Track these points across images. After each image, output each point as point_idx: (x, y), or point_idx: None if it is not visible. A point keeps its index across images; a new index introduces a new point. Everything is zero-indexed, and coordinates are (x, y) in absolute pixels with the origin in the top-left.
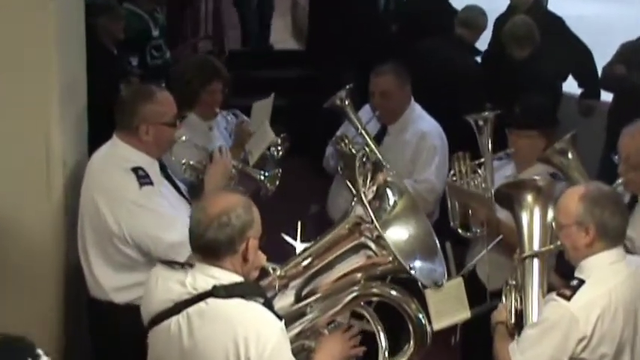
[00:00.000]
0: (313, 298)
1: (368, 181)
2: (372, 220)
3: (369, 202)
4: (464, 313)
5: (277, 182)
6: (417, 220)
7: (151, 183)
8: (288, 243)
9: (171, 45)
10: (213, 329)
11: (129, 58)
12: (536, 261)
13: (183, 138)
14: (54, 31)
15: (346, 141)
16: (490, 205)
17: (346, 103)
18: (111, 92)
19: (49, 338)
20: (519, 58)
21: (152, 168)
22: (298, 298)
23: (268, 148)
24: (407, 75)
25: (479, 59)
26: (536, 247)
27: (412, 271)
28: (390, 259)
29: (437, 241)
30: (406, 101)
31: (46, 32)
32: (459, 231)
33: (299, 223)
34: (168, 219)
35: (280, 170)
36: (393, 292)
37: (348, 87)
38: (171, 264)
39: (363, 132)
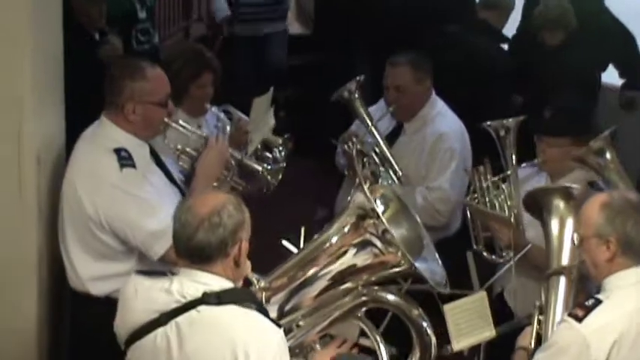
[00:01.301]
0: (299, 312)
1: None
2: (377, 212)
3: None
4: (488, 332)
5: (280, 176)
6: (410, 224)
7: (133, 165)
8: (289, 251)
9: (160, 28)
10: (208, 339)
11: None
12: (562, 279)
13: (180, 121)
14: (27, 12)
15: (354, 140)
16: (514, 226)
17: (355, 96)
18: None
19: (29, 335)
20: (551, 46)
21: (140, 151)
22: (281, 314)
23: (270, 149)
24: (427, 67)
25: (506, 47)
26: (564, 262)
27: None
28: (398, 256)
29: (432, 245)
30: (424, 97)
31: (18, 14)
32: (484, 254)
33: (302, 230)
34: (149, 205)
35: (284, 164)
36: (391, 297)
37: (358, 78)
38: (149, 272)
39: (373, 130)
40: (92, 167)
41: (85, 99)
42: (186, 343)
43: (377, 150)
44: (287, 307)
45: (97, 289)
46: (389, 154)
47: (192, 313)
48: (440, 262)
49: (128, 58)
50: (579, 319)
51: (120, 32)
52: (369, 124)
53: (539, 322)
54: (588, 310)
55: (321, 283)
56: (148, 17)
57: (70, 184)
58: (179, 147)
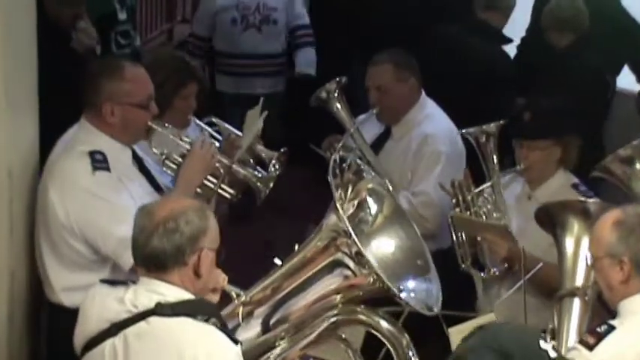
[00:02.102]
0: (283, 327)
1: (349, 193)
2: (349, 232)
3: (350, 217)
4: None
5: (271, 184)
6: (405, 231)
7: (106, 169)
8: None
9: (142, 31)
10: (155, 353)
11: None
12: (576, 301)
13: (167, 125)
14: None
15: (335, 145)
16: (511, 236)
17: (334, 96)
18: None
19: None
20: (559, 47)
21: (119, 155)
22: (266, 328)
23: (263, 165)
24: (411, 65)
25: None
26: (578, 283)
27: (403, 294)
28: (372, 279)
29: (429, 257)
30: (410, 98)
31: None
32: (473, 272)
33: (296, 246)
34: (121, 211)
35: (278, 173)
36: (382, 322)
37: (338, 79)
38: (113, 281)
39: (354, 134)
40: (64, 171)
41: (60, 106)
42: (132, 357)
43: (360, 155)
44: (272, 321)
45: (70, 300)
46: (372, 160)
47: (142, 324)
48: (437, 278)
49: (109, 57)
50: (590, 347)
51: (99, 34)
52: (350, 127)
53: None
54: (600, 338)
55: (304, 298)
56: (129, 19)
57: (43, 190)
58: (165, 152)
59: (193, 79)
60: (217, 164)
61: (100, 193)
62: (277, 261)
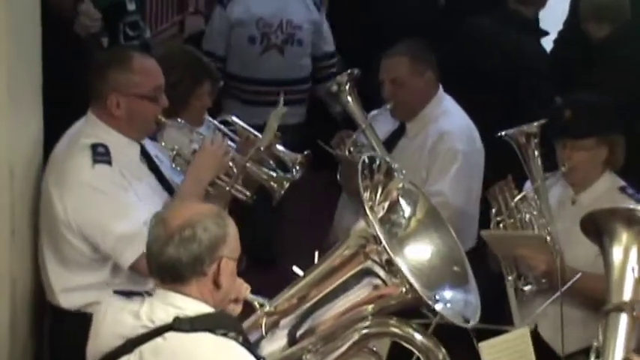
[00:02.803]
0: (311, 339)
1: (379, 195)
2: (379, 239)
3: (380, 221)
4: None
5: (287, 185)
6: (442, 236)
7: (108, 162)
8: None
9: (151, 22)
10: None
11: (98, 38)
12: (623, 316)
13: (180, 120)
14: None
15: (346, 141)
16: (551, 247)
17: (345, 89)
18: (75, 84)
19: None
20: (597, 38)
21: (126, 150)
22: (292, 340)
23: (285, 168)
24: (428, 58)
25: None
26: (626, 297)
27: (438, 305)
28: (404, 288)
29: (468, 265)
30: (427, 93)
31: None
32: (520, 286)
33: (316, 253)
34: (121, 206)
35: (295, 174)
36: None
37: (350, 71)
38: (127, 293)
39: (366, 129)
40: (64, 164)
41: (66, 102)
42: None
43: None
44: (299, 332)
45: (68, 301)
46: (386, 158)
47: (158, 340)
48: (476, 287)
49: (117, 47)
50: None
51: (106, 26)
52: (363, 122)
53: None
54: None
55: (332, 308)
56: (138, 9)
57: (45, 186)
58: (176, 148)
59: (208, 76)
60: (231, 163)
61: (100, 187)
62: (296, 269)
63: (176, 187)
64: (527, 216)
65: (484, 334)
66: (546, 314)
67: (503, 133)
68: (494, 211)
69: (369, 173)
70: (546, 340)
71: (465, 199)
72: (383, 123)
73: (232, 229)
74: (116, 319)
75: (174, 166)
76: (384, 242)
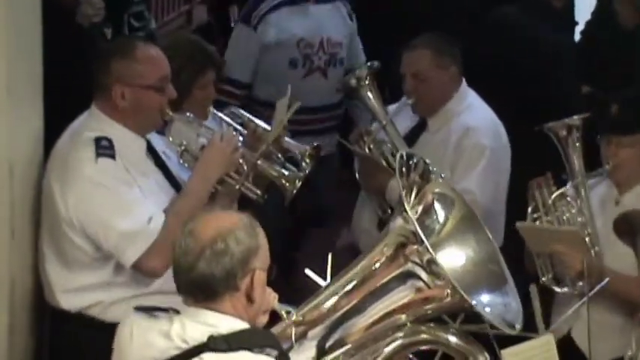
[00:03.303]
0: (342, 350)
1: (413, 197)
2: (420, 237)
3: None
4: None
5: (299, 183)
6: (478, 240)
7: (111, 156)
8: (314, 282)
9: (157, 12)
10: None
11: (101, 29)
12: None
13: (189, 115)
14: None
15: (365, 138)
16: (588, 246)
17: (365, 83)
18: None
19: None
20: (627, 27)
21: (131, 145)
22: (321, 351)
23: (294, 161)
24: (452, 51)
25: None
26: None
27: (484, 309)
28: (448, 291)
29: (505, 267)
30: (450, 87)
31: None
32: (555, 288)
33: (329, 256)
34: (124, 202)
35: (307, 171)
36: (453, 339)
37: (369, 64)
38: (149, 310)
39: (387, 126)
40: (66, 159)
41: (68, 96)
42: None
43: (393, 151)
44: (329, 344)
45: (69, 302)
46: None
47: None
48: (515, 291)
49: (121, 37)
50: None
51: (109, 17)
52: (382, 118)
53: None
54: None
55: (365, 317)
56: None
57: (46, 182)
58: (184, 143)
59: (212, 65)
60: (241, 160)
61: (103, 182)
62: (308, 272)
63: (183, 184)
64: (566, 215)
65: (507, 341)
66: (581, 319)
67: (545, 125)
68: (530, 208)
69: (406, 171)
70: (580, 347)
71: (493, 197)
72: (402, 118)
73: (263, 239)
74: (146, 341)
75: (181, 162)
76: (425, 241)
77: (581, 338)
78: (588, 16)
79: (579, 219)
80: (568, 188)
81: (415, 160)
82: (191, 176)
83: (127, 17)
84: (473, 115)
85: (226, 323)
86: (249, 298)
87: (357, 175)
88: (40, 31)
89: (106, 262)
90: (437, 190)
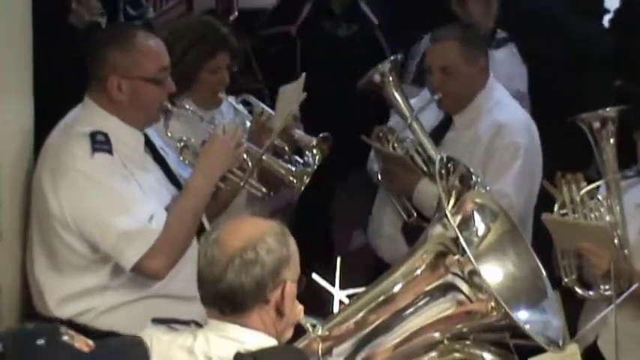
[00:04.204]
0: None
1: (451, 204)
2: (462, 247)
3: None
4: None
5: (307, 179)
6: (519, 254)
7: (108, 151)
8: (322, 288)
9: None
10: None
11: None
12: None
13: (188, 107)
14: None
15: (389, 137)
16: (617, 247)
17: (389, 79)
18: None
19: None
20: None
21: (128, 140)
22: None
23: (300, 152)
24: (480, 43)
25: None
26: None
27: (526, 326)
28: (491, 305)
29: (548, 284)
30: (478, 82)
31: None
32: (578, 290)
33: (338, 260)
34: (123, 199)
35: (315, 167)
36: (489, 356)
37: (393, 57)
38: (168, 321)
39: (413, 124)
40: (59, 154)
41: (59, 91)
42: None
43: (419, 150)
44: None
45: (65, 311)
46: (435, 155)
47: None
48: (557, 309)
49: (117, 25)
50: None
51: (104, 4)
52: (409, 115)
53: None
54: None
55: (396, 334)
56: None
57: (36, 180)
58: (184, 139)
59: (225, 48)
60: (245, 155)
61: (99, 178)
62: (316, 277)
63: (183, 181)
64: (595, 213)
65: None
66: (608, 327)
67: (580, 116)
68: (557, 204)
69: (445, 174)
70: (605, 357)
71: (528, 200)
72: (425, 115)
73: (294, 248)
74: (167, 357)
75: (181, 159)
76: (467, 251)
77: (607, 348)
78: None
79: (608, 218)
80: (599, 185)
81: (455, 163)
82: (192, 173)
83: (123, 5)
84: (504, 111)
85: (254, 339)
86: (279, 312)
87: (378, 175)
88: (30, 24)
89: (102, 264)
90: (478, 200)
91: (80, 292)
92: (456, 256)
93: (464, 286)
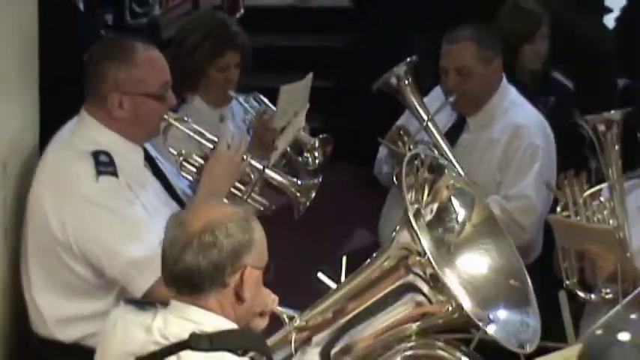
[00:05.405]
0: (347, 358)
1: (425, 196)
2: (423, 250)
3: (429, 225)
4: None
5: (313, 194)
6: (499, 246)
7: (113, 173)
8: (325, 285)
9: None
10: None
11: (101, 15)
12: None
13: (186, 119)
14: None
15: (405, 138)
16: (622, 249)
17: (405, 82)
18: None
19: None
20: None
21: (129, 157)
22: (326, 358)
23: (301, 153)
24: (495, 44)
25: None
26: None
27: (491, 326)
28: (451, 307)
29: (529, 281)
30: (493, 83)
31: None
32: (579, 293)
33: (344, 258)
34: (132, 225)
35: (320, 180)
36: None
37: (409, 60)
38: (140, 303)
39: (429, 126)
40: (62, 175)
41: (65, 87)
42: None
43: (434, 152)
44: (334, 350)
45: (66, 333)
46: (452, 158)
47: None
48: (536, 308)
49: (116, 37)
50: None
51: (110, 2)
52: (425, 118)
53: None
54: None
55: (372, 325)
56: None
57: (35, 197)
58: (183, 152)
59: (233, 45)
60: (247, 168)
61: (105, 203)
62: (321, 276)
63: (181, 193)
64: (598, 216)
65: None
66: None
67: (587, 117)
68: (560, 205)
69: (414, 170)
70: None
71: (547, 201)
72: (438, 116)
73: (259, 235)
74: (127, 334)
75: (182, 174)
76: (428, 254)
77: None
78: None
79: (611, 221)
80: (602, 187)
81: (422, 156)
82: (198, 191)
83: (129, 2)
84: (519, 112)
85: (211, 321)
86: (239, 297)
87: (394, 177)
88: (36, 21)
89: (110, 288)
90: (452, 183)
91: (83, 316)
92: (418, 257)
93: (425, 288)
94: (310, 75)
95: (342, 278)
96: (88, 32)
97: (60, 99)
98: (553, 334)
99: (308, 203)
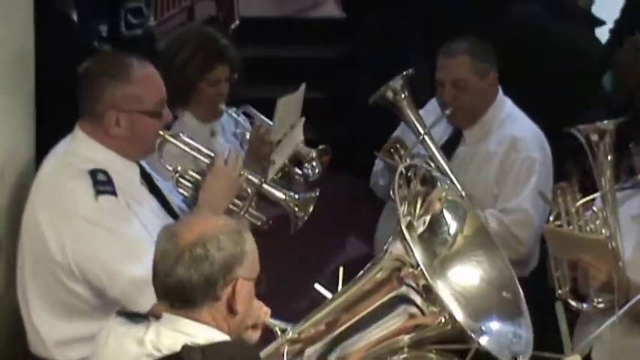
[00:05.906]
0: None
1: (418, 208)
2: (416, 262)
3: (421, 238)
4: None
5: (311, 208)
6: (491, 258)
7: (112, 192)
8: (322, 297)
9: (157, 8)
10: None
11: (96, 26)
12: None
13: (181, 135)
14: None
15: (401, 152)
16: (615, 258)
17: (402, 96)
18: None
19: None
20: None
21: (126, 175)
22: None
23: (299, 164)
24: (490, 56)
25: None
26: None
27: (484, 338)
28: (444, 318)
29: (521, 293)
30: (489, 95)
31: None
32: (571, 302)
33: (341, 269)
34: (131, 243)
35: (317, 193)
36: None
37: (405, 73)
38: (132, 316)
39: (426, 139)
40: (57, 195)
41: (61, 98)
42: None
43: (431, 164)
44: None
45: (66, 355)
46: (449, 171)
47: None
48: (528, 318)
49: (110, 54)
50: None
51: (105, 13)
52: (422, 132)
53: None
54: None
55: (365, 337)
56: None
57: (32, 216)
58: (179, 169)
59: (223, 60)
60: (244, 183)
61: (105, 223)
62: (318, 286)
63: (177, 209)
64: (590, 225)
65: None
66: (602, 340)
67: (580, 126)
68: (553, 215)
69: (405, 182)
70: None
71: (544, 215)
72: (434, 129)
73: (250, 246)
74: (119, 347)
75: (178, 189)
76: (421, 266)
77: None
78: (616, 14)
79: (604, 231)
80: (594, 197)
81: (414, 169)
82: (198, 208)
83: (125, 13)
84: (516, 125)
85: (204, 333)
86: (231, 309)
87: (391, 191)
88: (32, 33)
89: (108, 309)
90: (444, 195)
91: (83, 337)
92: (411, 269)
93: (418, 299)
94: (303, 86)
95: (339, 289)
96: (82, 43)
97: (57, 109)
98: (550, 345)
99: (306, 217)
